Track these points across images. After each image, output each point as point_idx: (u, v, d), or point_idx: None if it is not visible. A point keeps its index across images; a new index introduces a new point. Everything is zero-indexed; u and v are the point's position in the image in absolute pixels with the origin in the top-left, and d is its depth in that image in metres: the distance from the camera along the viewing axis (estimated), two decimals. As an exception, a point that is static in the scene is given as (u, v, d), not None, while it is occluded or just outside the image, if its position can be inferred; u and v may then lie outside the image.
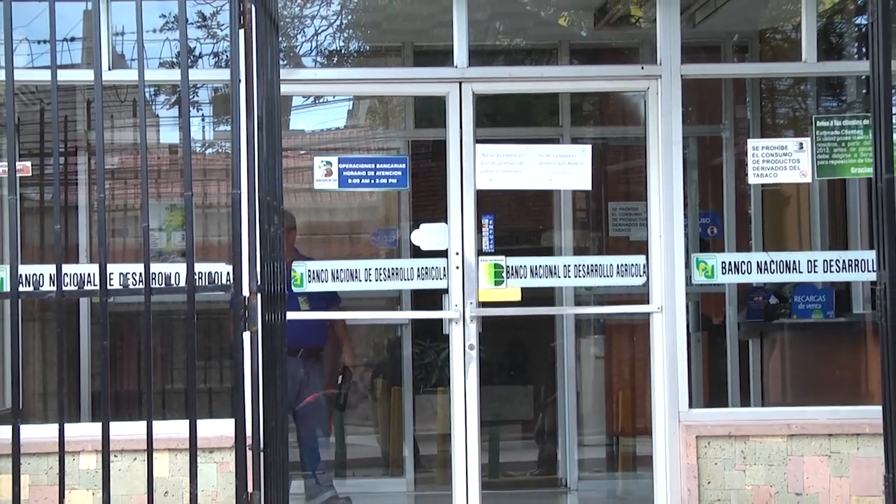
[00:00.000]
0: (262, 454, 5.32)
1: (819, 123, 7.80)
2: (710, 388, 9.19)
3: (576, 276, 8.11)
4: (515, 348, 9.51)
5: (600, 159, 8.07)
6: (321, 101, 9.67)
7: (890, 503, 5.15)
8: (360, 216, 10.07)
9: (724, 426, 7.52)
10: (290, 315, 6.25)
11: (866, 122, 7.44)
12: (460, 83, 7.60)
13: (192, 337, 5.19)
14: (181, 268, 5.34)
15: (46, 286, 6.93)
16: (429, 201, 8.29)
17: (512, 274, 7.55)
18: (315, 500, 6.86)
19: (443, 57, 7.86)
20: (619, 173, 9.40)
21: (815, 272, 7.83)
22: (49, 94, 5.26)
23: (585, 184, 7.73)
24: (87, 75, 7.24)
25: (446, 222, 7.55)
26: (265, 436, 5.31)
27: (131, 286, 6.88)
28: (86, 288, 6.39)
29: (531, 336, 9.43)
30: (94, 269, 5.52)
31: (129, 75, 7.42)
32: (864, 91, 8.57)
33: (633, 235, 8.90)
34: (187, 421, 5.09)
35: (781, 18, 9.20)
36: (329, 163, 7.64)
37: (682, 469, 7.45)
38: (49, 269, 6.87)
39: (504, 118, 9.21)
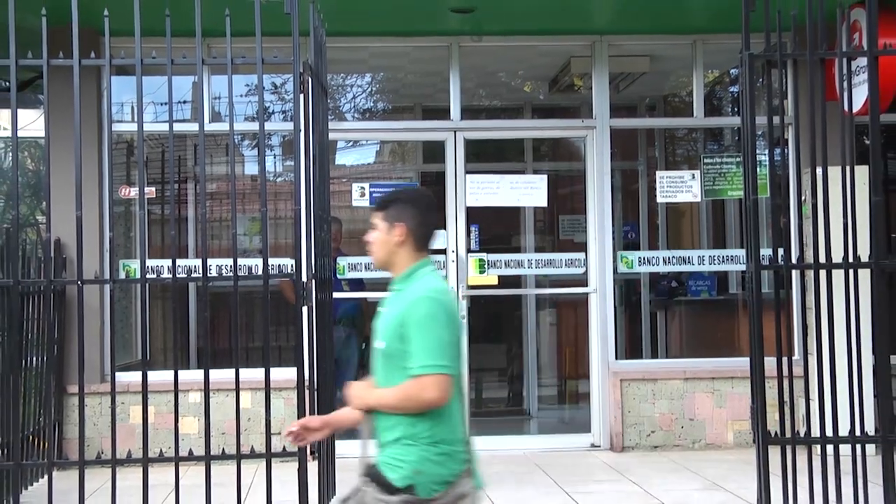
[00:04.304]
0: (316, 393, 5.35)
1: (706, 160, 7.83)
2: (630, 345, 9.19)
3: (536, 267, 8.17)
4: (494, 318, 9.49)
5: (553, 185, 8.07)
6: (357, 144, 9.67)
7: (754, 426, 5.16)
8: (384, 225, 10.06)
9: (640, 372, 7.55)
10: (335, 295, 6.28)
11: (738, 159, 7.47)
12: (455, 132, 7.63)
13: (267, 309, 5.22)
14: (259, 261, 5.38)
15: (165, 274, 6.96)
16: (433, 214, 8.28)
17: (491, 266, 7.58)
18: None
19: (443, 113, 7.88)
20: (566, 195, 9.41)
21: (703, 264, 7.87)
22: (168, 140, 5.28)
23: (542, 202, 7.75)
24: (193, 127, 7.26)
25: (445, 229, 7.58)
26: (318, 379, 5.33)
27: (224, 274, 6.91)
28: (192, 276, 6.39)
29: (505, 309, 9.42)
30: (198, 262, 5.55)
31: (223, 127, 7.44)
32: (736, 138, 8.60)
33: (576, 238, 8.90)
34: (263, 368, 5.11)
35: (679, 87, 9.22)
36: (363, 187, 7.66)
37: (611, 402, 7.47)
38: (167, 263, 6.90)
39: (486, 155, 9.20)
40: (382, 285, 8.36)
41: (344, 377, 8.27)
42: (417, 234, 3.02)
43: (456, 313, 2.95)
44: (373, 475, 2.88)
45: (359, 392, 3.02)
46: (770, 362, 5.11)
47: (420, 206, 3.07)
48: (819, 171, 5.24)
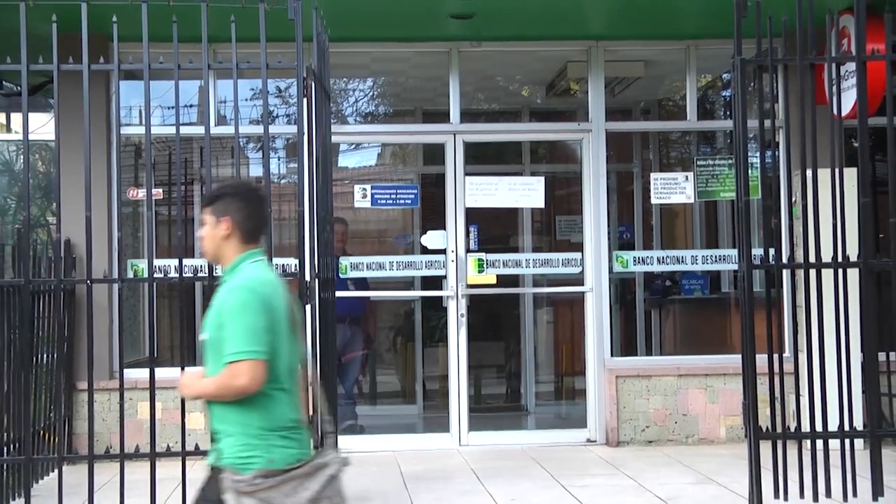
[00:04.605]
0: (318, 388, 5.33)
1: (699, 162, 7.84)
2: (625, 342, 9.20)
3: (534, 267, 8.18)
4: (492, 316, 9.48)
5: (550, 187, 8.06)
6: (359, 146, 9.67)
7: (746, 421, 5.18)
8: (385, 226, 10.05)
9: (635, 369, 7.55)
10: (340, 294, 6.28)
11: (730, 161, 7.46)
12: (454, 134, 7.63)
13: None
14: (264, 261, 5.39)
15: (172, 273, 6.96)
16: (433, 215, 8.28)
17: (490, 265, 7.58)
18: (340, 425, 6.88)
19: (442, 116, 7.88)
20: (563, 196, 9.41)
21: (696, 264, 7.88)
22: (174, 142, 5.29)
23: (540, 203, 7.76)
24: (200, 130, 7.26)
25: (445, 230, 7.58)
26: (321, 376, 5.33)
27: (230, 273, 6.91)
28: (199, 275, 6.40)
29: (503, 307, 9.41)
30: (204, 262, 5.55)
31: (228, 130, 7.44)
32: (728, 141, 8.60)
33: (572, 239, 8.88)
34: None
35: (672, 91, 9.22)
36: (365, 189, 7.66)
37: (606, 398, 7.48)
38: (174, 262, 6.89)
39: (485, 158, 9.20)
40: (386, 285, 8.42)
41: (349, 373, 8.29)
42: (244, 227, 3.03)
43: (276, 301, 2.94)
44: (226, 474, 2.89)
45: (187, 382, 3.05)
46: (761, 359, 5.12)
47: (246, 200, 3.07)
48: (809, 173, 5.25)
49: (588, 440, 7.55)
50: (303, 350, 3.10)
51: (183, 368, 5.11)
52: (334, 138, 6.57)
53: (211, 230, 3.04)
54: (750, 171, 5.39)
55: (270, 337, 2.87)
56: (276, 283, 3.01)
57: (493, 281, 7.57)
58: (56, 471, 5.29)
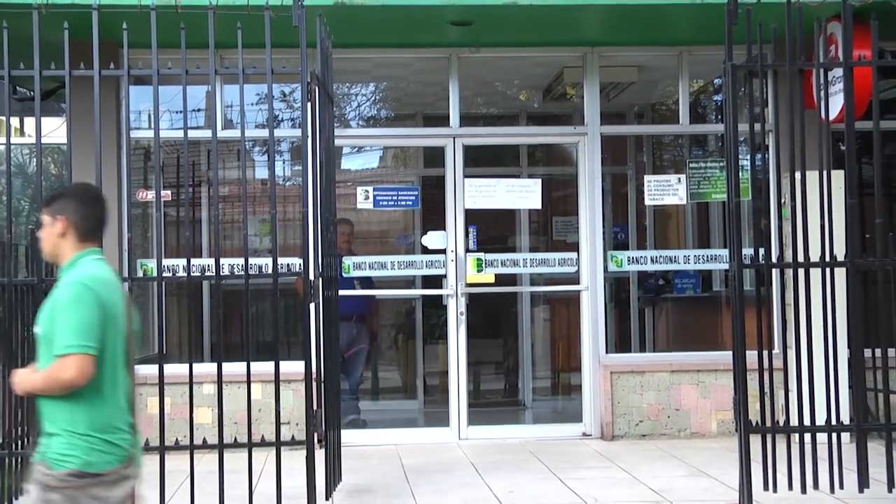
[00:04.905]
0: (322, 384, 5.37)
1: (691, 165, 7.86)
2: (619, 339, 9.17)
3: (531, 266, 8.19)
4: (491, 314, 9.48)
5: (547, 188, 8.07)
6: (362, 149, 9.67)
7: (737, 415, 5.19)
8: (387, 226, 10.05)
9: (629, 365, 7.57)
10: (344, 292, 6.29)
11: (721, 164, 7.48)
12: (454, 138, 7.65)
13: (276, 306, 5.24)
14: (269, 261, 5.40)
15: (180, 273, 6.98)
16: (433, 216, 8.29)
17: (488, 265, 7.59)
18: (343, 419, 6.88)
19: (442, 120, 7.89)
20: (559, 197, 9.41)
21: (688, 263, 7.90)
22: (182, 146, 5.31)
23: (537, 204, 7.77)
24: (207, 134, 7.28)
25: (445, 230, 7.60)
26: (324, 372, 5.35)
27: (236, 273, 6.93)
28: (206, 274, 6.41)
29: (501, 306, 9.42)
30: (211, 261, 5.56)
31: (234, 134, 7.45)
32: (720, 144, 8.61)
33: (568, 239, 8.89)
34: (273, 361, 5.13)
35: (665, 96, 9.24)
36: (367, 191, 7.67)
37: (601, 393, 7.49)
38: (181, 262, 6.91)
39: (484, 160, 9.18)
40: (387, 284, 8.42)
41: (353, 369, 8.31)
42: (80, 226, 3.04)
43: (111, 299, 2.93)
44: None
45: (18, 378, 3.02)
46: (751, 356, 5.14)
47: (81, 200, 3.09)
48: (798, 175, 5.26)
49: (584, 434, 7.56)
50: (135, 351, 3.07)
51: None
52: (337, 141, 6.59)
53: (48, 229, 3.05)
54: (741, 174, 5.40)
55: (102, 333, 2.86)
56: (112, 282, 3.00)
57: (492, 280, 7.59)
58: (68, 464, 5.30)
